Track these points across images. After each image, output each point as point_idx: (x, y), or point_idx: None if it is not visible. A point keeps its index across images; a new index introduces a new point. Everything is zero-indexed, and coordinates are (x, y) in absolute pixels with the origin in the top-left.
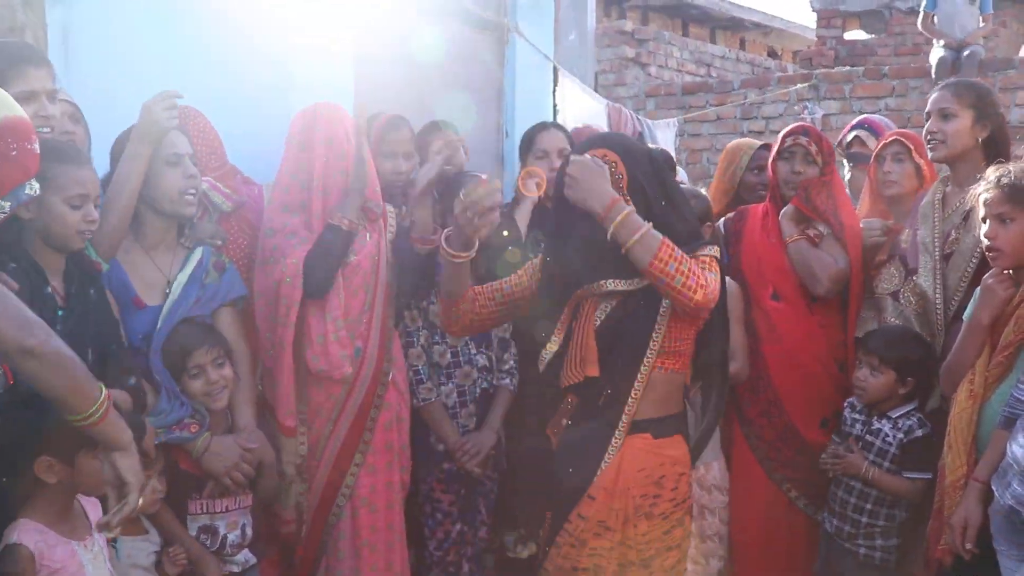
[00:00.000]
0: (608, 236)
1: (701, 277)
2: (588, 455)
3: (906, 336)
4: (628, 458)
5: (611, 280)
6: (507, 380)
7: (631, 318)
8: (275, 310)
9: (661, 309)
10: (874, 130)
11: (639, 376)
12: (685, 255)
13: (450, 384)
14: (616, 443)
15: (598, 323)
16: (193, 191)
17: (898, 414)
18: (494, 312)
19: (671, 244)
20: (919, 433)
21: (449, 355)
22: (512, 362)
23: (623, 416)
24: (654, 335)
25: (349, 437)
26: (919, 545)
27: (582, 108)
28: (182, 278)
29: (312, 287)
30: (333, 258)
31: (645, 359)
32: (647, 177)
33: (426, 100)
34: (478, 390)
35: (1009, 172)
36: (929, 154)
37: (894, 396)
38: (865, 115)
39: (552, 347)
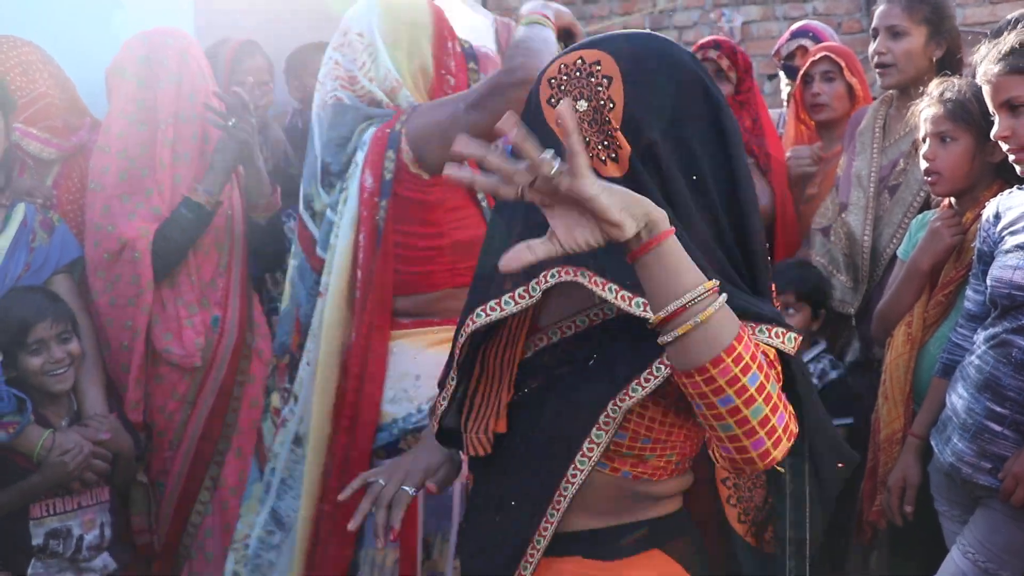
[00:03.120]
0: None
1: (786, 413)
2: None
3: (807, 266)
4: None
5: (588, 272)
6: None
7: (577, 376)
8: (115, 287)
9: (646, 373)
10: (817, 37)
11: (569, 476)
12: (764, 351)
13: None
14: (527, 566)
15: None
16: None
17: (808, 357)
18: None
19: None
20: (833, 375)
21: None
22: None
23: (541, 526)
24: (602, 421)
25: (211, 419)
26: (850, 508)
27: (464, 24)
28: (3, 242)
29: (159, 268)
30: (188, 240)
31: (579, 458)
32: (666, 114)
33: (277, 24)
34: None
35: (954, 86)
36: (879, 80)
37: (806, 337)
38: (805, 21)
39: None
